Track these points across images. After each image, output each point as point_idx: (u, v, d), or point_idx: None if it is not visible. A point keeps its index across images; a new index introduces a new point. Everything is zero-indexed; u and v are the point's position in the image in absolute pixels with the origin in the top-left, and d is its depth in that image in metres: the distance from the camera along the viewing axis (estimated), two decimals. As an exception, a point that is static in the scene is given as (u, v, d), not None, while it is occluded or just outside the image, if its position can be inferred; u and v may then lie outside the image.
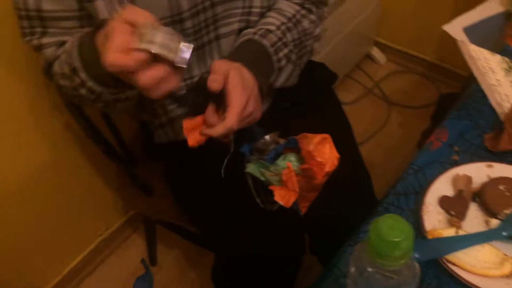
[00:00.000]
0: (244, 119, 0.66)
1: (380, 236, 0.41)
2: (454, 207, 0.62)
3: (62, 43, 0.74)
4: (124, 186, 1.17)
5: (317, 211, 0.76)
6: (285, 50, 0.80)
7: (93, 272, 1.50)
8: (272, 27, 0.80)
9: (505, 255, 0.57)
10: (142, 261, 1.49)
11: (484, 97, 0.76)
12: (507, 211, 0.60)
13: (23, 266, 1.31)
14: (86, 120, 1.00)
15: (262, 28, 0.79)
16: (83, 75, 0.65)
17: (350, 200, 0.89)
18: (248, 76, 0.68)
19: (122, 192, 1.20)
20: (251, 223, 0.84)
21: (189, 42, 0.57)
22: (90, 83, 0.65)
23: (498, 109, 0.73)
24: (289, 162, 0.72)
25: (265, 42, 0.77)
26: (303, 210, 0.73)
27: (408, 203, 0.65)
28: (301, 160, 0.72)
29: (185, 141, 0.88)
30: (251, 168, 0.75)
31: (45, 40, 0.74)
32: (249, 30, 0.80)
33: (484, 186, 0.63)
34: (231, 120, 0.63)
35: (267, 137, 0.76)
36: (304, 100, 0.98)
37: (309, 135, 0.70)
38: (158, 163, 1.07)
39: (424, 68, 1.91)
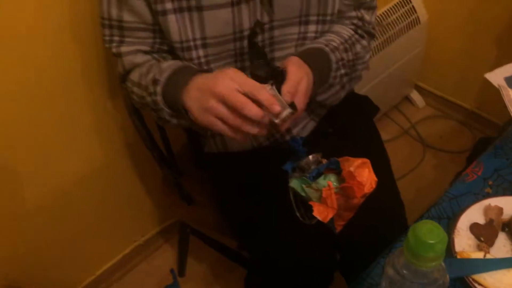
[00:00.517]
0: (297, 93, 0.73)
1: (418, 238, 0.46)
2: (484, 234, 0.67)
3: (140, 51, 0.85)
4: (167, 194, 1.25)
5: (351, 233, 0.82)
6: (342, 71, 0.88)
7: (123, 277, 1.57)
8: (336, 44, 0.88)
9: (530, 281, 0.61)
10: (171, 271, 1.54)
11: (519, 139, 0.82)
12: (534, 242, 0.64)
13: (63, 262, 1.39)
14: (146, 127, 1.10)
15: (331, 44, 0.87)
16: (159, 97, 0.76)
17: (383, 226, 0.93)
18: (308, 69, 0.77)
19: (165, 200, 1.28)
20: (289, 236, 0.90)
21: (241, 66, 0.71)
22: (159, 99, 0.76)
23: (532, 151, 0.78)
24: (329, 181, 0.79)
25: (332, 57, 0.85)
26: (338, 228, 0.79)
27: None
28: (340, 181, 0.78)
29: (233, 152, 0.97)
30: (294, 183, 0.82)
31: (124, 48, 0.85)
32: (319, 40, 0.88)
33: (515, 217, 0.68)
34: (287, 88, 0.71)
35: (310, 157, 0.83)
36: (347, 127, 1.05)
37: (350, 158, 0.77)
38: (202, 173, 1.15)
39: (462, 115, 1.95)
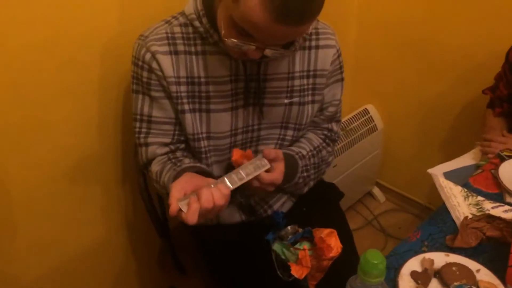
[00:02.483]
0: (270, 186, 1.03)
1: (367, 260, 0.69)
2: (420, 278, 0.89)
3: (161, 144, 1.08)
4: (162, 264, 1.42)
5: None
6: (305, 174, 1.15)
7: None
8: (305, 153, 1.15)
9: (453, 311, 0.83)
10: None
11: (447, 213, 1.08)
12: (456, 283, 0.87)
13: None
14: (152, 203, 1.31)
15: (300, 152, 1.14)
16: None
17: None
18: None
19: (160, 269, 1.44)
20: None
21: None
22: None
23: (457, 222, 1.04)
24: (305, 246, 1.01)
25: (300, 163, 1.12)
26: (311, 287, 1.00)
27: (389, 274, 0.93)
28: (313, 246, 0.99)
29: (224, 224, 1.19)
30: (276, 247, 1.03)
31: (150, 139, 1.09)
32: (293, 147, 1.15)
33: (442, 267, 0.91)
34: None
35: (289, 227, 1.06)
36: (317, 208, 1.29)
37: (321, 228, 0.99)
38: (196, 244, 1.34)
39: (417, 209, 2.22)
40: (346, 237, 1.28)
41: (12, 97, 1.08)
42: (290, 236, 1.05)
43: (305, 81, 1.11)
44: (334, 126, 1.25)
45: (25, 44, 1.05)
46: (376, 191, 2.33)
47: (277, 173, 1.03)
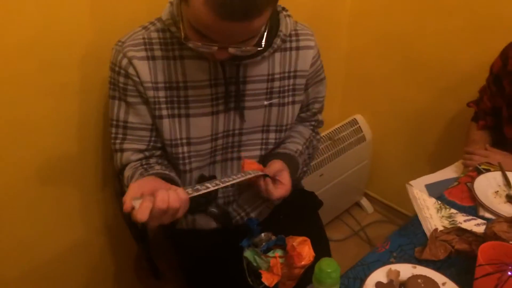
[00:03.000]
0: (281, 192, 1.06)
1: (320, 269, 0.69)
2: (385, 290, 0.89)
3: (136, 150, 1.08)
4: (138, 269, 1.42)
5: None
6: (305, 168, 1.22)
7: None
8: (301, 148, 1.19)
9: (414, 323, 0.82)
10: None
11: (420, 224, 1.07)
12: (420, 296, 0.86)
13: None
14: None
15: (298, 150, 1.18)
16: None
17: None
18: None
19: (136, 274, 1.44)
20: None
21: (213, 160, 1.04)
22: None
23: (427, 233, 1.03)
24: (277, 253, 1.00)
25: (299, 160, 1.17)
26: None
27: (355, 285, 0.92)
28: (285, 254, 0.99)
29: (200, 230, 1.19)
30: (248, 254, 1.02)
31: (125, 146, 1.09)
32: (290, 147, 1.19)
33: (408, 279, 0.90)
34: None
35: (262, 234, 1.05)
36: (295, 216, 1.29)
37: (294, 236, 0.99)
38: (171, 250, 1.34)
39: (404, 221, 2.18)
40: (322, 246, 1.27)
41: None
42: (263, 243, 1.04)
43: (285, 82, 1.11)
44: (319, 117, 1.32)
45: (5, 44, 1.05)
46: (364, 201, 2.32)
47: (286, 186, 1.05)
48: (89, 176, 1.39)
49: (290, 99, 1.14)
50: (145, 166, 1.06)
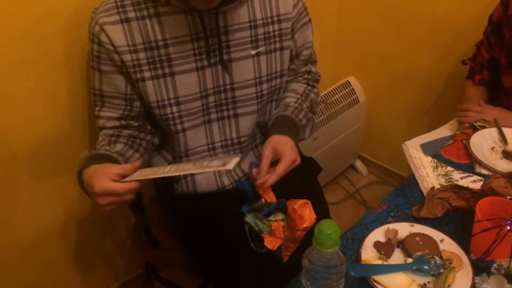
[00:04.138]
0: (290, 166, 1.03)
1: (320, 230, 0.68)
2: (383, 249, 0.89)
3: (111, 118, 1.08)
4: (136, 239, 1.42)
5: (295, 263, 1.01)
6: (302, 113, 1.16)
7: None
8: (291, 103, 1.17)
9: (413, 280, 0.83)
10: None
11: (416, 184, 1.07)
12: (418, 253, 0.87)
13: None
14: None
15: (284, 105, 1.16)
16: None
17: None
18: (287, 140, 1.05)
19: (134, 244, 1.43)
20: (246, 262, 1.08)
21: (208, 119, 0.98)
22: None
23: (424, 192, 1.03)
24: (278, 217, 1.00)
25: (287, 113, 1.13)
26: (285, 258, 0.99)
27: (353, 245, 0.92)
28: (287, 218, 0.98)
29: (200, 193, 1.17)
30: (249, 219, 1.01)
31: (102, 113, 1.09)
32: (277, 110, 1.16)
33: (406, 237, 0.91)
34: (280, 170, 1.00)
35: (262, 199, 1.05)
36: (295, 182, 1.28)
37: (295, 199, 0.98)
38: (168, 218, 1.33)
39: (399, 182, 2.20)
40: (322, 210, 1.27)
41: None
42: (264, 208, 1.04)
43: (270, 27, 1.08)
44: (312, 68, 1.27)
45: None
46: (359, 164, 2.33)
47: (287, 158, 1.03)
48: (79, 146, 1.37)
49: (278, 45, 1.11)
50: (112, 138, 1.08)
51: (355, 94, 2.07)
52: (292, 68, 1.21)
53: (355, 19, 1.98)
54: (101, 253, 1.63)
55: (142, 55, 1.00)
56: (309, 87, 1.25)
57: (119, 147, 1.07)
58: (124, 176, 0.91)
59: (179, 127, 1.09)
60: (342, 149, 2.14)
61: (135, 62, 1.00)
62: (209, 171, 0.93)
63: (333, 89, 2.01)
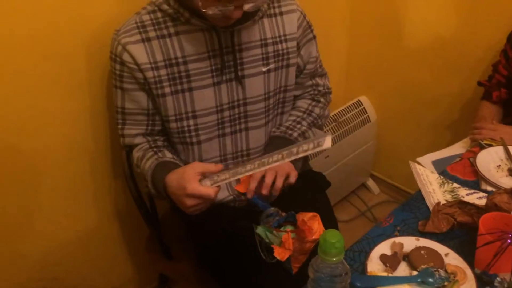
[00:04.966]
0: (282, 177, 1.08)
1: (325, 239, 0.72)
2: (389, 261, 0.91)
3: (136, 135, 1.15)
4: (150, 251, 1.46)
5: (304, 274, 1.04)
6: (297, 130, 1.24)
7: None
8: (288, 121, 1.25)
9: (418, 292, 0.85)
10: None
11: (422, 199, 1.09)
12: (423, 266, 0.89)
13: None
14: (138, 190, 1.34)
15: (280, 124, 1.24)
16: (149, 184, 1.06)
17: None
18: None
19: (148, 256, 1.47)
20: (256, 272, 1.11)
21: (222, 132, 1.10)
22: (150, 185, 1.07)
23: (430, 208, 1.06)
24: (288, 229, 1.03)
25: (278, 132, 1.21)
26: (294, 269, 1.01)
27: (360, 257, 0.95)
28: (296, 230, 1.01)
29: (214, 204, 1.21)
30: (259, 230, 1.05)
31: (126, 131, 1.15)
32: (274, 129, 1.23)
33: (411, 251, 0.93)
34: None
35: (271, 210, 1.08)
36: (304, 196, 1.31)
37: (304, 212, 1.01)
38: (182, 231, 1.37)
39: (411, 201, 2.23)
40: (330, 223, 1.30)
41: None
42: (273, 220, 1.07)
43: (279, 46, 1.16)
44: (319, 81, 1.33)
45: (11, 35, 1.08)
46: (371, 183, 2.34)
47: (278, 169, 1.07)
48: (101, 164, 1.43)
49: (285, 62, 1.18)
50: (154, 149, 1.13)
51: (367, 113, 2.10)
52: (298, 82, 1.28)
53: (367, 39, 2.02)
54: (114, 266, 1.67)
55: (163, 71, 1.06)
56: (314, 102, 1.31)
57: (168, 154, 1.14)
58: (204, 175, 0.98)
59: (194, 139, 1.15)
60: (354, 167, 2.17)
61: (157, 79, 1.06)
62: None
63: (345, 108, 2.05)
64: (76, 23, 1.18)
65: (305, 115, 1.28)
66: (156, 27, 1.05)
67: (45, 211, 1.35)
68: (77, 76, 1.24)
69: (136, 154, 1.13)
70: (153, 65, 1.05)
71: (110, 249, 1.62)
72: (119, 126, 1.16)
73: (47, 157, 1.28)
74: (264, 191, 1.05)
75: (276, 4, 1.14)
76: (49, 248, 1.42)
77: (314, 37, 1.24)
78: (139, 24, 1.05)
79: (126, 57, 1.04)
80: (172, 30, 1.05)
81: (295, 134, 1.23)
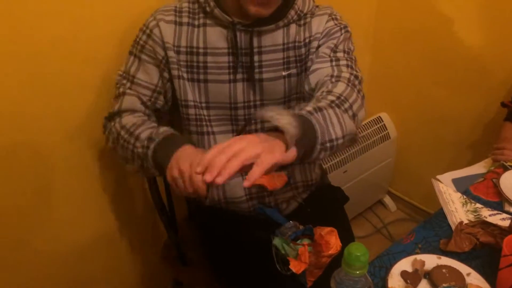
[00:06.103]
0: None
1: (349, 252, 0.72)
2: (410, 278, 0.91)
3: (139, 99, 1.13)
4: (166, 256, 1.47)
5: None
6: (310, 107, 0.91)
7: None
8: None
9: (439, 310, 0.85)
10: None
11: (445, 218, 1.09)
12: (445, 285, 0.88)
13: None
14: (159, 195, 1.36)
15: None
16: (150, 152, 0.99)
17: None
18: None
19: (164, 261, 1.48)
20: (270, 283, 1.11)
21: (236, 128, 1.11)
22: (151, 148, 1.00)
23: (453, 227, 1.05)
24: (305, 242, 1.03)
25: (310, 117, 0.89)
26: (309, 283, 1.02)
27: (380, 273, 0.95)
28: (313, 243, 1.02)
29: (230, 202, 1.20)
30: (276, 241, 1.06)
31: (129, 91, 1.13)
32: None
33: (433, 268, 0.93)
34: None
35: (290, 223, 1.09)
36: (321, 209, 1.31)
37: (321, 227, 1.02)
38: (199, 237, 1.38)
39: (428, 220, 2.21)
40: (347, 238, 1.30)
41: (30, 88, 1.15)
42: (290, 232, 1.08)
43: (302, 50, 1.13)
44: (344, 70, 1.11)
45: (46, 40, 1.12)
46: (387, 199, 2.33)
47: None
48: (119, 169, 1.45)
49: (304, 67, 1.15)
50: (153, 120, 1.14)
51: (386, 129, 2.10)
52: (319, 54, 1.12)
53: (389, 55, 2.03)
54: (128, 269, 1.68)
55: (182, 57, 1.10)
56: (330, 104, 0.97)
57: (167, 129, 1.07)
58: None
59: (209, 129, 1.16)
60: (371, 183, 2.16)
61: (177, 60, 1.10)
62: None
63: (365, 124, 2.05)
64: (113, 27, 1.22)
65: (324, 93, 1.01)
66: (191, 15, 1.11)
67: (58, 212, 1.37)
68: (111, 79, 1.25)
69: (131, 120, 1.09)
70: (175, 48, 1.09)
71: (126, 253, 1.63)
72: (121, 89, 1.14)
73: (75, 160, 1.31)
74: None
75: (309, 15, 1.13)
76: (64, 248, 1.44)
77: (345, 27, 1.16)
78: (177, 9, 1.11)
79: (155, 31, 1.09)
80: (202, 21, 1.10)
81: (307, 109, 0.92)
